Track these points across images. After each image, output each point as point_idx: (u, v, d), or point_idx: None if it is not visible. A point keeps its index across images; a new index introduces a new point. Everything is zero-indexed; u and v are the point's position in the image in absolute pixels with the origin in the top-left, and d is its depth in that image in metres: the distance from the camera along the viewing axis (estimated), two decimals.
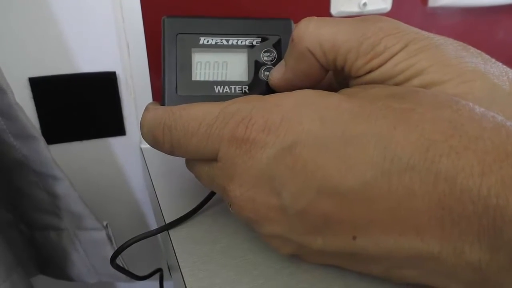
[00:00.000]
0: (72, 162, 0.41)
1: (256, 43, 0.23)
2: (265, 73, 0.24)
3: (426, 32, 0.20)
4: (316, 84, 0.22)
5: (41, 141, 0.32)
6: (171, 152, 0.22)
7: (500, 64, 0.20)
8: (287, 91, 0.22)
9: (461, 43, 0.20)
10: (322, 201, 0.18)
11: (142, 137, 0.23)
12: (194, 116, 0.21)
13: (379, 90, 0.19)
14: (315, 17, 0.21)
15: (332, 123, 0.18)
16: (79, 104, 0.40)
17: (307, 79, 0.22)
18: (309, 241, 0.19)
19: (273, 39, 0.23)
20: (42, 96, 0.38)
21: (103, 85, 0.40)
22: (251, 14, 0.43)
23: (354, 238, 0.18)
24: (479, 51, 0.20)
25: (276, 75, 0.23)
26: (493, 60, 0.20)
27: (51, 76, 0.38)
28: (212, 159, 0.21)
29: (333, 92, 0.20)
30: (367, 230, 0.17)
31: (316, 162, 0.17)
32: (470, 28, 0.54)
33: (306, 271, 0.23)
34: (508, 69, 0.20)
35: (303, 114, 0.18)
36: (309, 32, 0.20)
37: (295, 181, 0.18)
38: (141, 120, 0.23)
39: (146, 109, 0.23)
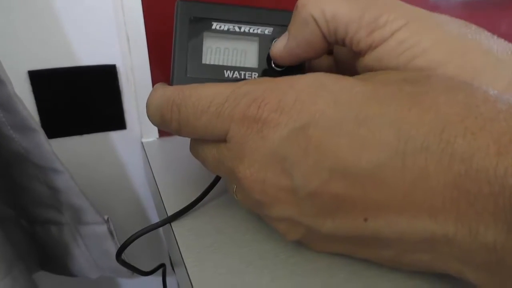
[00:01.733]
0: (72, 156, 0.40)
1: (268, 32, 0.24)
2: None
3: (427, 11, 0.20)
4: (318, 56, 0.22)
5: (41, 133, 0.32)
6: (178, 130, 0.22)
7: (503, 40, 0.20)
8: (288, 62, 0.22)
9: (462, 20, 0.20)
10: (334, 182, 0.17)
11: (148, 116, 0.23)
12: (204, 95, 0.20)
13: (391, 75, 0.19)
14: None
15: (345, 105, 0.17)
16: (79, 98, 0.39)
17: (309, 48, 0.22)
18: (319, 224, 0.19)
19: (284, 30, 0.23)
20: (42, 90, 0.38)
21: (103, 78, 0.39)
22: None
23: (365, 220, 0.17)
24: (481, 28, 0.20)
25: (278, 45, 0.22)
26: (495, 36, 0.20)
27: (51, 69, 0.37)
28: (221, 140, 0.21)
29: (346, 76, 0.19)
30: (379, 211, 0.17)
31: (329, 143, 0.17)
32: (472, 21, 0.54)
33: (311, 260, 0.23)
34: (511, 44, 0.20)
35: (317, 95, 0.18)
36: (313, 0, 0.20)
37: (307, 162, 0.18)
38: (148, 99, 0.23)
39: (154, 88, 0.23)
